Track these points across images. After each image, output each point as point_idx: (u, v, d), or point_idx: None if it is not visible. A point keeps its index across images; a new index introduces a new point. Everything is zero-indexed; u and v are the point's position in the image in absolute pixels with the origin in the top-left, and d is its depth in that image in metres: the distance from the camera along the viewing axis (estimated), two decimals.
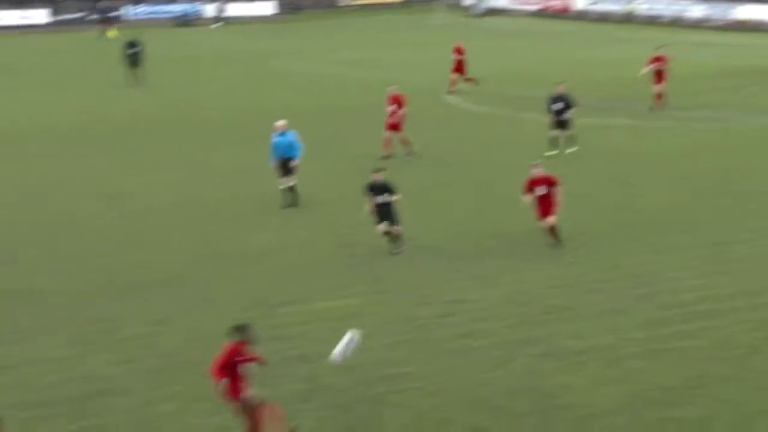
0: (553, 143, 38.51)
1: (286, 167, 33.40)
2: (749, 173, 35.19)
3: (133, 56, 59.55)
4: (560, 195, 28.16)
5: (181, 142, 43.86)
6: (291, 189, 33.45)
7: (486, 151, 40.13)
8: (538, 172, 28.26)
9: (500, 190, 34.64)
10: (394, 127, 39.17)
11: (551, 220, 28.00)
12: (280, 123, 33.71)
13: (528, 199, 28.29)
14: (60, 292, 26.49)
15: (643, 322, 23.27)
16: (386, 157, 38.01)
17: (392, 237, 28.47)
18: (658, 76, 46.06)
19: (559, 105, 38.71)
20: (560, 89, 39.05)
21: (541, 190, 28.08)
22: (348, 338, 19.24)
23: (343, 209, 32.98)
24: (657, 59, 46.15)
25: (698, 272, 26.21)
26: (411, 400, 20.20)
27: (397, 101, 39.39)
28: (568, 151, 38.21)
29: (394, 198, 28.40)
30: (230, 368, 18.08)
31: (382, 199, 28.32)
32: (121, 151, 42.48)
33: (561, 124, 38.80)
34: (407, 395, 20.41)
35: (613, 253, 27.91)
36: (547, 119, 38.98)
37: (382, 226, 28.30)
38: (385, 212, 28.29)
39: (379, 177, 28.43)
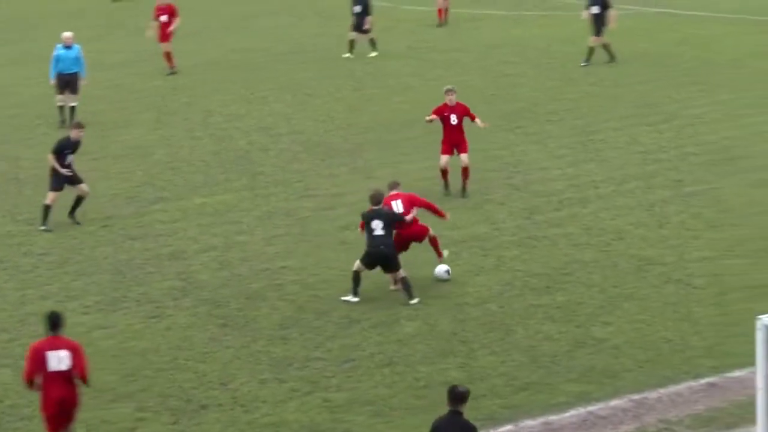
0: (351, 46, 37.68)
1: (68, 84, 30.80)
2: (621, 60, 35.77)
3: None
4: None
5: None
6: (71, 110, 30.75)
7: (367, 44, 40.19)
8: (450, 99, 25.23)
9: (377, 81, 34.86)
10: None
11: (464, 158, 24.89)
12: (67, 35, 31.25)
13: (429, 119, 25.43)
14: None
15: (517, 211, 23.81)
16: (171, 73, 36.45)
17: None
18: None
19: (358, 8, 37.43)
20: None
21: (453, 119, 25.03)
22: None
23: (219, 103, 32.98)
24: None
25: (568, 161, 26.81)
26: (289, 294, 20.51)
27: (170, 12, 36.58)
28: (370, 55, 37.54)
29: None
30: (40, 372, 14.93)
31: None
32: None
33: (358, 27, 37.52)
34: (286, 289, 20.72)
35: (491, 143, 28.34)
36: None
37: None
38: None
39: None
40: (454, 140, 24.85)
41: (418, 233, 20.78)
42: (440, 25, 41.86)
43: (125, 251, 22.63)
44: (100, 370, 17.30)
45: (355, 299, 20.03)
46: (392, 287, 20.47)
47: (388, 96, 33.33)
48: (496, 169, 26.42)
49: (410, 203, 20.65)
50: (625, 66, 35.18)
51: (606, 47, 35.13)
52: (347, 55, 37.57)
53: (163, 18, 36.53)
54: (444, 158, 24.81)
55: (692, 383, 17.01)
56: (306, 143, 29.19)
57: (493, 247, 22.10)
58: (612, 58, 35.06)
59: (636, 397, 16.71)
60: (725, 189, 24.64)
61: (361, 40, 37.91)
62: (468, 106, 25.50)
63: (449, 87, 25.39)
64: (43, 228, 23.73)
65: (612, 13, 35.22)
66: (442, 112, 24.94)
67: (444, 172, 24.75)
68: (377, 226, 19.94)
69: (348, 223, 23.67)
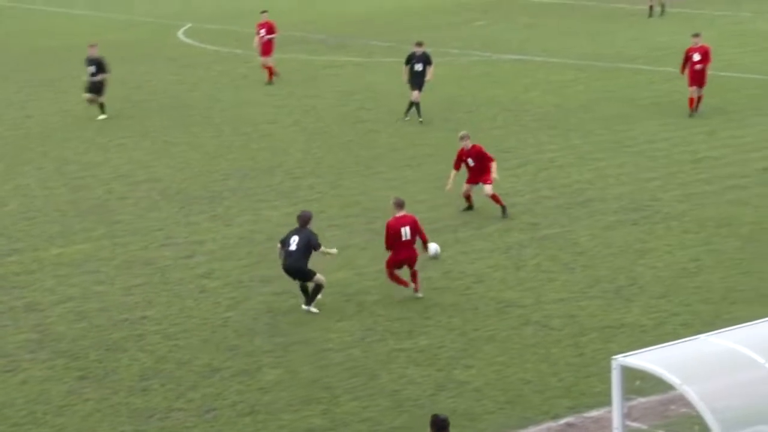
0: (91, 103, 36.58)
1: None
2: (474, 106, 36.36)
3: None
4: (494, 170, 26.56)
5: None
6: None
7: (225, 92, 40.13)
8: (466, 144, 26.38)
9: (235, 128, 34.84)
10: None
11: (488, 189, 26.19)
12: None
13: (450, 182, 26.50)
14: None
15: (378, 256, 23.94)
16: None
17: None
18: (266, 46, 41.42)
19: (92, 68, 36.39)
20: (92, 52, 36.65)
21: (471, 162, 26.30)
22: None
23: (75, 151, 32.58)
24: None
25: (428, 206, 27.08)
26: (150, 344, 20.29)
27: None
28: (99, 117, 36.29)
29: None
30: None
31: None
32: None
33: (93, 88, 36.38)
34: (146, 339, 20.49)
35: (351, 189, 28.53)
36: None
37: None
38: None
39: None
40: (477, 177, 26.40)
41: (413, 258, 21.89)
42: (269, 83, 40.84)
43: None
44: None
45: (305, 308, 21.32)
46: (416, 294, 21.74)
47: (247, 143, 33.33)
48: (356, 215, 26.58)
49: (414, 231, 21.86)
50: (480, 112, 35.77)
51: (418, 105, 34.91)
52: (102, 117, 36.39)
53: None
54: (466, 186, 26.44)
55: (551, 424, 17.28)
56: (165, 191, 28.98)
57: (354, 293, 22.21)
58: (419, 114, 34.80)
59: None
60: (579, 231, 25.18)
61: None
62: (482, 146, 26.56)
63: (463, 133, 26.81)
64: None
65: (430, 69, 34.95)
66: (461, 158, 26.40)
67: (467, 197, 26.51)
68: (293, 242, 21.16)
69: (208, 270, 23.56)
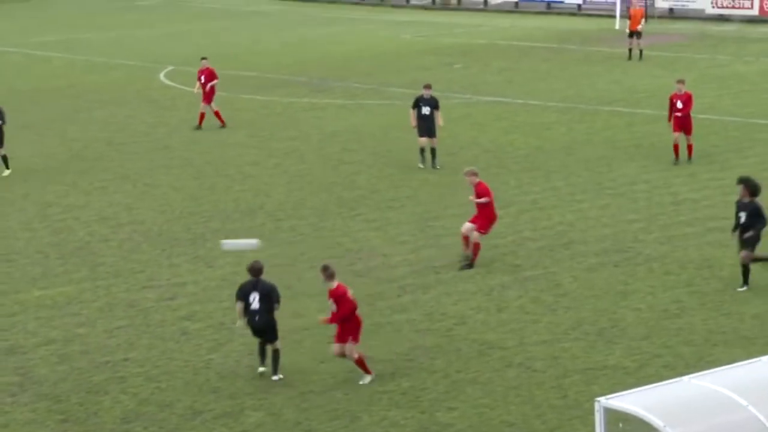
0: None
1: None
2: (456, 148, 36.50)
3: None
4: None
5: None
6: None
7: (206, 133, 40.20)
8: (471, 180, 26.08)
9: (217, 170, 34.89)
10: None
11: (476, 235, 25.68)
12: None
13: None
14: None
15: (360, 298, 23.86)
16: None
17: None
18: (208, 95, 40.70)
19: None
20: None
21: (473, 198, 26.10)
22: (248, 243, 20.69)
23: (56, 194, 32.56)
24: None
25: (409, 247, 27.16)
26: (132, 387, 20.22)
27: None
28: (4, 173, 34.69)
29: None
30: None
31: None
32: None
33: None
34: (128, 382, 20.43)
35: (333, 230, 28.57)
36: None
37: None
38: None
39: None
40: (474, 218, 25.94)
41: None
42: (198, 128, 40.42)
43: None
44: None
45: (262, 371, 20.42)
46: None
47: (229, 185, 33.36)
48: (338, 256, 26.58)
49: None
50: (461, 154, 35.89)
51: (433, 151, 34.50)
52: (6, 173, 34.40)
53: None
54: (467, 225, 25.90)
55: None
56: (147, 233, 28.97)
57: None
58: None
59: None
60: (562, 273, 25.24)
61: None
62: (485, 184, 26.23)
63: (468, 170, 26.44)
64: None
65: (439, 114, 34.32)
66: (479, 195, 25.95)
67: (465, 239, 25.79)
68: (254, 299, 20.10)
69: (190, 312, 23.54)
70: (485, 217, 26.01)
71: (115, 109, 44.83)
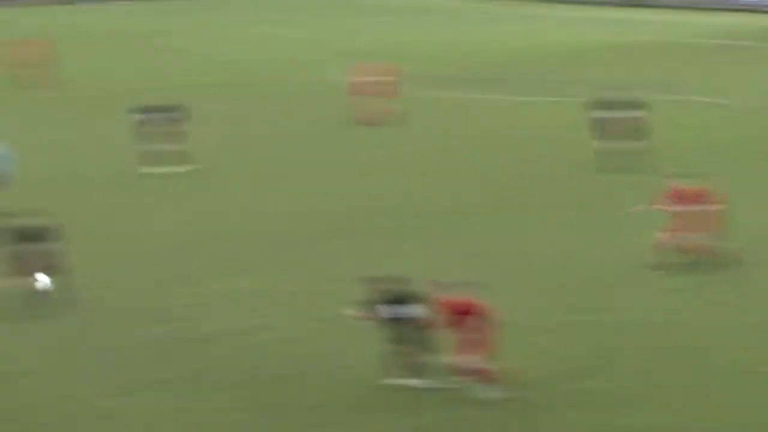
0: None
1: None
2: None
3: None
4: None
5: None
6: None
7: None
8: None
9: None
10: None
11: None
12: None
13: None
14: None
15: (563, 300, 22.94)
16: None
17: None
18: None
19: None
20: None
21: None
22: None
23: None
24: None
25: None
26: (316, 381, 19.57)
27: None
28: None
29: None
30: None
31: None
32: None
33: None
34: (309, 375, 19.78)
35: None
36: None
37: None
38: None
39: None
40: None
41: None
42: None
43: None
44: None
45: None
46: None
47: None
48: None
49: None
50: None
51: None
52: None
53: None
54: None
55: None
56: (334, 224, 28.18)
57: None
58: None
59: None
60: None
61: None
62: None
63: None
64: None
65: None
66: None
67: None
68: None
69: None
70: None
71: None
